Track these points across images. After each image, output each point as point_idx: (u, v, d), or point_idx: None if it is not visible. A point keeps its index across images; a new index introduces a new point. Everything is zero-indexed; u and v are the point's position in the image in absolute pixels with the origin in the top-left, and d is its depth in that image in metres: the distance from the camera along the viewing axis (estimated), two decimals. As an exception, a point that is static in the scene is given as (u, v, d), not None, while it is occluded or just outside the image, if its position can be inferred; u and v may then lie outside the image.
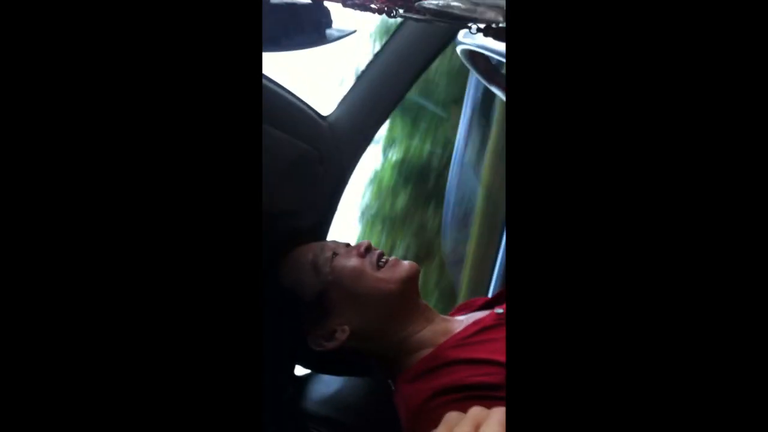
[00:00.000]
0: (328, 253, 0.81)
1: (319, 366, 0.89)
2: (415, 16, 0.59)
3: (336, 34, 0.67)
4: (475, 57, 0.87)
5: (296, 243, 0.85)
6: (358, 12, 0.62)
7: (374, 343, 0.79)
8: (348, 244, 0.84)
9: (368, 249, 0.81)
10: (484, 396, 0.64)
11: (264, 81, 0.80)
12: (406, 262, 0.81)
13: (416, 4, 0.58)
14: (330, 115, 0.94)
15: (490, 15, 0.59)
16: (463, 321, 0.81)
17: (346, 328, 0.77)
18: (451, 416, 0.43)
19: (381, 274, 0.79)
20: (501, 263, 1.19)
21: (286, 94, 0.85)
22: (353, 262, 0.80)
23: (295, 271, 0.81)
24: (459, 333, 0.77)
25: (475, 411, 0.41)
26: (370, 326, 0.78)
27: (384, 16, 0.60)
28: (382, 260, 0.81)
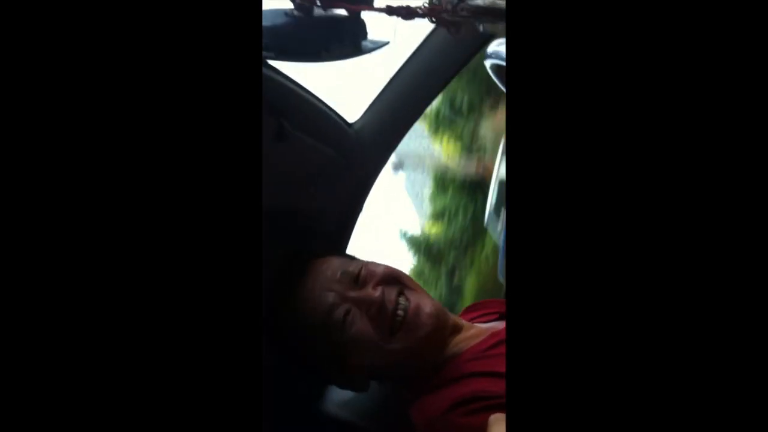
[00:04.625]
0: (340, 313, 0.74)
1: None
2: (459, 17, 0.58)
3: (370, 45, 0.68)
4: (501, 71, 0.88)
5: (316, 248, 0.85)
6: (397, 21, 0.63)
7: (399, 378, 0.81)
8: (358, 276, 0.76)
9: (380, 309, 0.74)
10: (500, 405, 0.64)
11: (293, 86, 0.81)
12: (425, 313, 0.74)
13: (461, 3, 0.57)
14: (356, 122, 0.95)
15: None
16: (482, 331, 0.81)
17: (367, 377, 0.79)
18: None
19: (398, 344, 0.73)
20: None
21: (314, 100, 0.87)
22: (366, 331, 0.73)
23: (304, 326, 0.76)
24: (478, 345, 0.77)
25: None
26: (395, 373, 0.79)
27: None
28: (398, 317, 0.74)
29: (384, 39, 0.70)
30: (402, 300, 0.75)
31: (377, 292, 0.74)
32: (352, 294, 0.75)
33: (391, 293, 0.75)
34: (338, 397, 0.89)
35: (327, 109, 0.89)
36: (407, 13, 0.54)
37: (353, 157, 0.93)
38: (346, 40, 0.64)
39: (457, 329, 0.80)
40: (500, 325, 0.82)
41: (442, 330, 0.76)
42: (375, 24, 0.71)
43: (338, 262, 0.79)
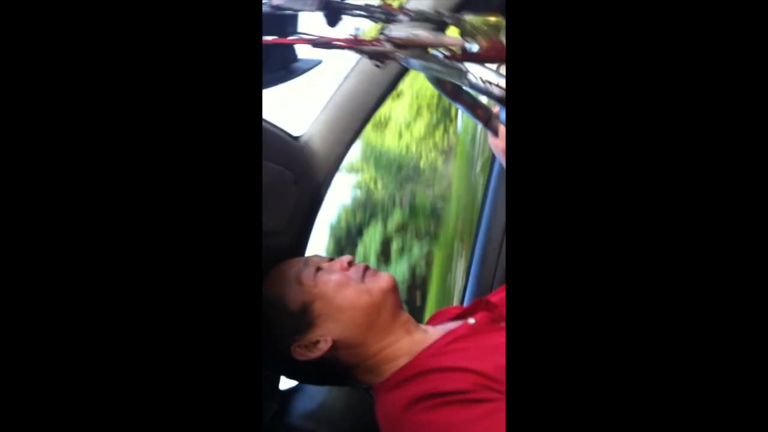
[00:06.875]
0: (312, 268, 0.84)
1: (300, 376, 0.91)
2: (380, 49, 0.60)
3: (303, 66, 0.68)
4: (441, 81, 0.89)
5: (274, 263, 0.87)
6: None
7: (356, 351, 0.81)
8: (331, 259, 0.87)
9: (351, 263, 0.85)
10: (458, 401, 0.68)
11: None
12: (384, 274, 0.85)
13: (381, 34, 0.59)
14: (302, 135, 0.95)
15: (452, 41, 0.61)
16: (438, 331, 0.84)
17: (329, 338, 0.80)
18: None
19: (363, 285, 0.83)
20: (474, 274, 1.22)
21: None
22: (337, 276, 0.83)
23: (279, 284, 0.84)
24: (435, 343, 0.80)
25: None
26: (352, 336, 0.81)
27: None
28: (365, 271, 0.84)
29: (315, 58, 0.70)
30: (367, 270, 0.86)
31: (345, 260, 0.86)
32: (323, 264, 0.86)
33: (358, 267, 0.86)
34: (303, 408, 0.90)
35: (270, 125, 0.89)
36: (330, 46, 0.55)
37: (302, 169, 0.93)
38: (275, 67, 0.64)
39: (409, 324, 0.84)
40: (454, 324, 0.85)
41: (398, 296, 0.85)
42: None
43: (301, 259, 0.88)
